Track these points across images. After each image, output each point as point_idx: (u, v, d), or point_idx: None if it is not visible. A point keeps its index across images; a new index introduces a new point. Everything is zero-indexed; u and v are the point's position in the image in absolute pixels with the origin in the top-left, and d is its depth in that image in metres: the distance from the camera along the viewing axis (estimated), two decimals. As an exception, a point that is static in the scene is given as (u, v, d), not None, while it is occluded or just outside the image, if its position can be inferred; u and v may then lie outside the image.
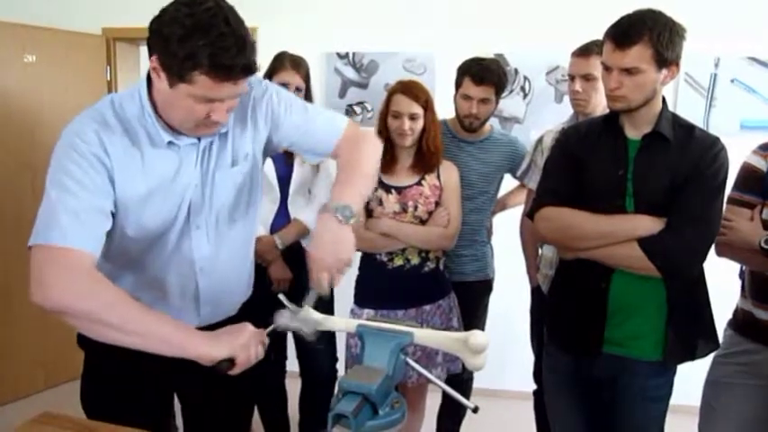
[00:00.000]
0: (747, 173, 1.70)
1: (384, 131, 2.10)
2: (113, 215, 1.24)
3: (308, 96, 2.36)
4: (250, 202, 1.46)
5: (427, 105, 2.06)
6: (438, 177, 2.12)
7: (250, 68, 1.17)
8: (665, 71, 1.51)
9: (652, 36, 1.45)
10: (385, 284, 2.12)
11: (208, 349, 1.13)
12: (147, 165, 1.27)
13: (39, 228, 1.16)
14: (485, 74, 2.19)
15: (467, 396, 2.46)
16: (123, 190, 1.24)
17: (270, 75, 2.32)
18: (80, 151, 1.19)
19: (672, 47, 1.48)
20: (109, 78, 3.60)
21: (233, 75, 1.14)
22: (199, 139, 1.31)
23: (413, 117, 2.03)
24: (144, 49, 4.32)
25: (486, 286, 2.46)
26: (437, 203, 2.11)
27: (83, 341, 1.42)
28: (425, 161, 2.09)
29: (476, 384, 2.51)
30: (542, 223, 1.67)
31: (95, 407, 1.43)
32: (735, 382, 1.74)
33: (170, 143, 1.27)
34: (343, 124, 1.48)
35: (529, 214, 1.76)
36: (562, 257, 1.75)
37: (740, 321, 1.76)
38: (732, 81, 3.14)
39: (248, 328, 1.19)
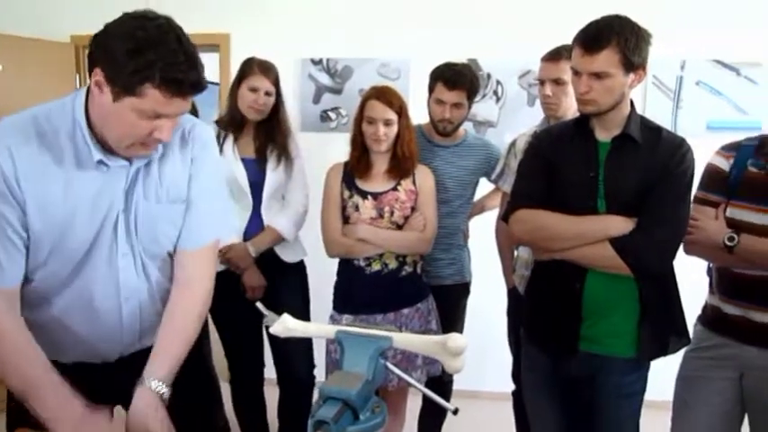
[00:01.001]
0: (711, 173, 1.76)
1: (359, 137, 2.11)
2: (29, 237, 1.22)
3: (278, 101, 2.36)
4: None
5: (401, 111, 2.07)
6: (414, 182, 2.13)
7: (200, 84, 1.16)
8: (632, 75, 1.55)
9: (620, 41, 1.49)
10: (363, 290, 2.12)
11: None
12: (68, 184, 1.22)
13: None
14: (457, 78, 2.22)
15: (447, 398, 2.48)
16: (39, 208, 1.20)
17: (239, 80, 2.31)
18: None
19: (638, 51, 1.52)
20: (78, 86, 3.55)
21: (183, 90, 1.13)
22: (130, 163, 1.26)
23: (387, 123, 2.04)
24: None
25: (463, 289, 2.47)
26: (413, 208, 2.12)
27: None
28: (401, 166, 2.10)
29: (455, 386, 2.53)
30: (516, 225, 1.70)
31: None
32: (705, 376, 1.78)
33: (99, 162, 1.22)
34: (210, 240, 1.41)
35: (503, 217, 1.79)
36: (537, 258, 1.78)
37: (709, 317, 1.81)
38: (697, 83, 3.22)
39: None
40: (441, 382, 2.28)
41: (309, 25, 3.35)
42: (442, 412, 2.53)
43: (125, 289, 1.33)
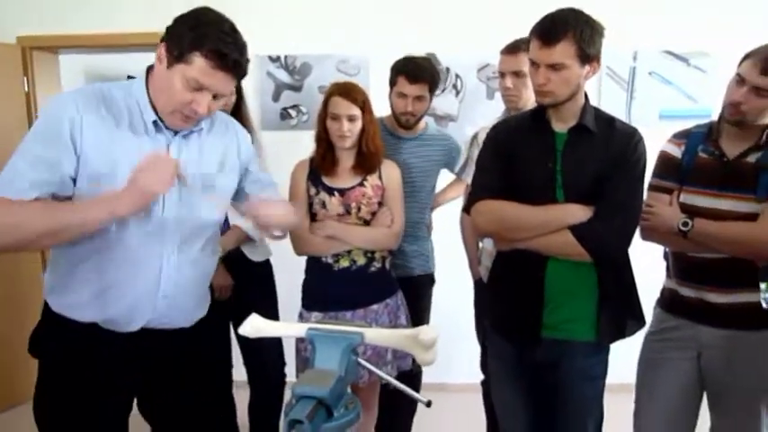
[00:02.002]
0: (664, 160, 1.82)
1: (323, 134, 2.10)
2: (75, 181, 1.32)
3: (240, 99, 2.33)
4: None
5: (365, 106, 2.06)
6: (380, 177, 2.13)
7: (241, 67, 1.35)
8: (587, 67, 1.59)
9: (575, 33, 1.53)
10: (332, 286, 2.11)
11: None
12: (119, 144, 1.35)
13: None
14: (418, 72, 2.24)
15: (417, 392, 2.49)
16: (89, 159, 1.32)
17: None
18: (52, 120, 1.31)
19: (593, 44, 1.56)
20: (27, 90, 3.42)
21: (226, 63, 1.31)
22: (175, 133, 1.43)
23: (351, 119, 2.04)
24: (63, 58, 4.11)
25: (430, 279, 2.51)
26: (380, 203, 2.12)
27: (37, 346, 1.47)
28: (366, 162, 2.10)
29: (424, 379, 2.55)
30: (479, 217, 1.72)
31: (51, 421, 1.46)
32: (665, 357, 1.84)
33: (154, 122, 1.39)
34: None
35: (465, 209, 1.81)
36: (499, 249, 1.80)
37: (667, 300, 1.87)
38: (650, 74, 3.32)
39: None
40: (410, 376, 2.29)
41: (267, 22, 3.31)
42: (410, 405, 2.55)
43: (167, 254, 1.44)
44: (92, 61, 4.33)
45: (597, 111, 1.69)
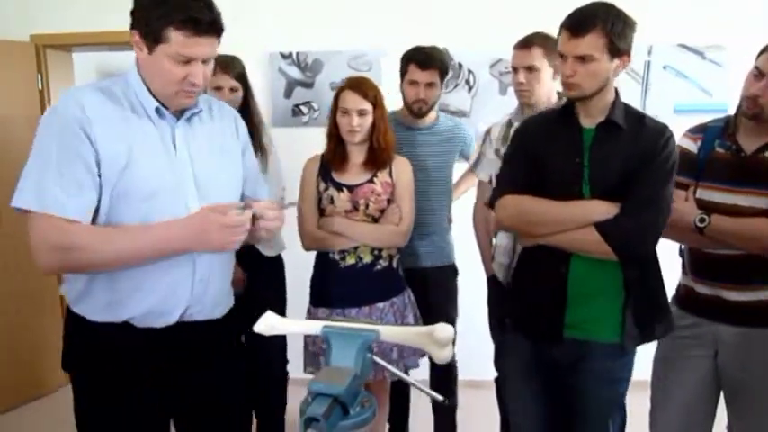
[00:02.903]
0: (680, 155, 1.77)
1: (334, 129, 2.09)
2: (100, 177, 1.33)
3: (247, 95, 2.33)
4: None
5: (376, 101, 2.05)
6: (390, 174, 2.12)
7: (217, 24, 1.33)
8: (617, 61, 1.55)
9: (605, 26, 1.50)
10: (337, 283, 2.11)
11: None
12: (128, 135, 1.36)
13: (30, 192, 1.29)
14: (428, 59, 2.27)
15: (453, 388, 2.54)
16: (109, 149, 1.33)
17: None
18: (63, 122, 1.31)
19: (623, 37, 1.53)
20: (41, 87, 3.44)
21: (201, 28, 1.29)
22: (176, 120, 1.43)
23: (361, 113, 2.03)
24: (77, 56, 4.15)
25: (454, 269, 2.55)
26: (389, 201, 2.11)
27: (70, 363, 1.48)
28: (377, 158, 2.09)
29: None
30: (502, 211, 1.70)
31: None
32: (682, 355, 1.82)
33: (156, 110, 1.39)
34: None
35: (489, 203, 1.79)
36: (522, 245, 1.79)
37: (682, 297, 1.85)
38: (664, 68, 3.28)
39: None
40: (446, 371, 2.33)
41: (279, 19, 3.31)
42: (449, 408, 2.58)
43: None
44: (105, 59, 4.35)
45: (628, 107, 1.65)
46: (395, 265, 2.17)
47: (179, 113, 1.44)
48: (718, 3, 3.20)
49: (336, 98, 2.08)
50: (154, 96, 1.39)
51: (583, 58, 1.53)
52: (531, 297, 1.73)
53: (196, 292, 1.46)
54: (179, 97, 1.38)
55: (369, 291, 2.11)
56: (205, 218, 1.34)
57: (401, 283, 2.21)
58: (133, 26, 1.33)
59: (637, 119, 1.63)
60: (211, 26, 1.31)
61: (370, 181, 2.09)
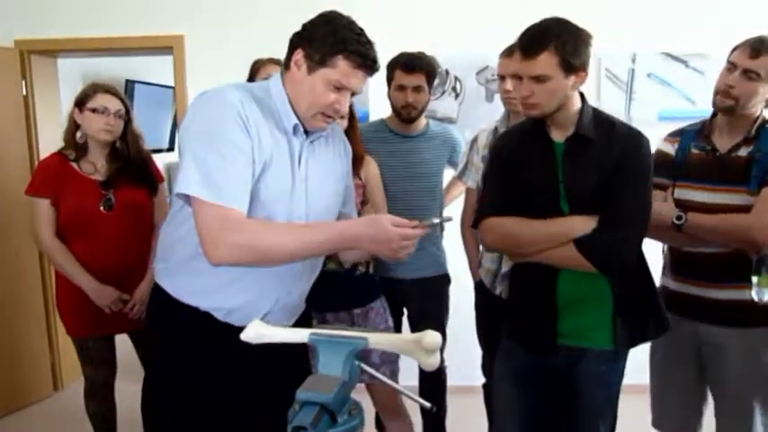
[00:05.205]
0: (659, 158, 1.83)
1: None
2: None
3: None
4: None
5: (350, 111, 2.03)
6: (360, 176, 2.09)
7: (376, 63, 1.43)
8: (573, 77, 1.54)
9: (557, 44, 1.49)
10: (317, 289, 2.10)
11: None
12: (274, 137, 1.41)
13: (201, 183, 1.30)
14: (414, 62, 2.27)
15: (443, 394, 2.53)
16: (259, 151, 1.38)
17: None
18: (230, 113, 1.34)
19: (577, 54, 1.51)
20: (25, 93, 3.41)
21: (366, 63, 1.39)
22: (306, 137, 1.49)
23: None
24: (62, 62, 4.09)
25: (447, 279, 2.53)
26: (363, 202, 2.09)
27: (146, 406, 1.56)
28: (354, 166, 2.07)
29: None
30: (486, 234, 1.71)
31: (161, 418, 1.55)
32: (671, 354, 1.88)
33: (295, 126, 1.44)
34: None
35: (473, 225, 1.79)
36: (511, 261, 1.80)
37: (663, 296, 1.86)
38: (649, 75, 3.32)
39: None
40: (436, 377, 2.32)
41: (262, 25, 3.30)
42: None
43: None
44: (90, 65, 4.32)
45: (598, 114, 1.63)
46: (371, 271, 2.16)
47: (306, 133, 1.48)
48: (702, 12, 3.25)
49: None
50: (294, 113, 1.44)
51: (538, 78, 1.52)
52: (523, 310, 1.74)
53: (281, 300, 1.52)
54: (317, 120, 1.44)
55: (346, 297, 2.11)
56: (387, 226, 1.35)
57: (376, 288, 2.20)
58: (298, 45, 1.41)
59: (608, 126, 1.60)
60: (372, 65, 1.41)
61: None
